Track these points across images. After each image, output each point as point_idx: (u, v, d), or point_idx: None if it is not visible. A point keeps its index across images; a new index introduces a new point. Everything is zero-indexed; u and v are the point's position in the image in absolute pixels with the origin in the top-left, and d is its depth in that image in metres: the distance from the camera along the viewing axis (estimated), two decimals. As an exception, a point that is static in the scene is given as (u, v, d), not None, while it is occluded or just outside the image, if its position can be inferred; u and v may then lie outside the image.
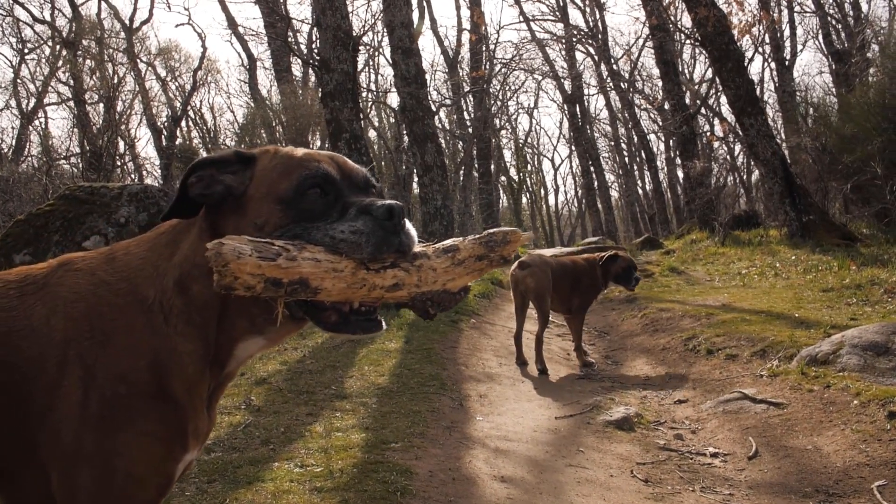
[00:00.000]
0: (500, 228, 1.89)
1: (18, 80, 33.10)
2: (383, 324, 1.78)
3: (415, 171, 17.66)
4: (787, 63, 29.46)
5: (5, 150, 29.14)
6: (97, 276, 1.78)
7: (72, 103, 31.53)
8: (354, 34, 13.01)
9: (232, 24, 33.86)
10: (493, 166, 34.68)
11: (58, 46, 32.37)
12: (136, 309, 1.75)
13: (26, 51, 33.38)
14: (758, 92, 32.25)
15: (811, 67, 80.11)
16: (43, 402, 1.66)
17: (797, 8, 31.58)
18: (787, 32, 30.94)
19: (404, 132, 21.53)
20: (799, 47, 36.49)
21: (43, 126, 33.89)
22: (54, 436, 1.65)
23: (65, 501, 1.66)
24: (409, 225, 1.70)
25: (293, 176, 1.73)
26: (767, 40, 29.03)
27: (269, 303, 1.67)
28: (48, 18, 33.09)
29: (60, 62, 32.08)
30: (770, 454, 4.70)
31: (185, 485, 3.87)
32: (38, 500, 1.72)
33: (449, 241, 1.83)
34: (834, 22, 29.60)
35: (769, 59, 33.46)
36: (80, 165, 26.49)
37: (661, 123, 34.67)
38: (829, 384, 5.41)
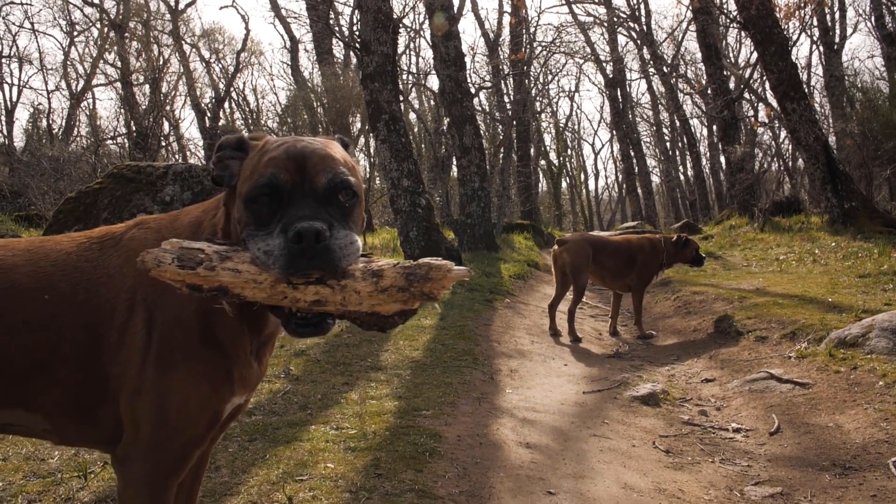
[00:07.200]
0: (428, 261, 1.79)
1: (68, 62, 33.99)
2: (327, 328, 1.80)
3: (453, 153, 17.78)
4: (835, 47, 28.81)
5: (56, 131, 30.02)
6: (161, 233, 2.03)
7: (119, 84, 32.27)
8: (395, 16, 13.17)
9: (275, 6, 34.27)
10: (532, 150, 34.62)
11: (105, 29, 33.12)
12: None
13: (75, 33, 34.28)
14: (806, 76, 31.65)
15: (861, 51, 77.74)
16: (115, 340, 1.93)
17: (847, -11, 30.80)
18: (837, 15, 30.20)
19: (443, 115, 21.66)
20: (849, 30, 35.53)
21: (91, 107, 34.77)
22: (123, 369, 1.92)
23: (129, 427, 1.93)
24: (337, 244, 1.72)
25: (252, 180, 1.82)
26: (816, 23, 28.40)
27: None
28: (96, 1, 33.83)
29: (108, 44, 32.80)
30: (791, 430, 4.80)
31: (227, 442, 4.13)
32: (111, 434, 1.98)
33: (382, 263, 1.79)
34: (888, 3, 28.80)
35: (818, 43, 32.75)
36: (127, 145, 27.17)
37: (703, 108, 34.23)
38: (856, 366, 5.48)
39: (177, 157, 34.34)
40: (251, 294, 1.70)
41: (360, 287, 1.73)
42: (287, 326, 1.80)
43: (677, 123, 38.71)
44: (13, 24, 39.11)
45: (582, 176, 56.96)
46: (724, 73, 24.28)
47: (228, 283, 1.67)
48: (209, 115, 34.40)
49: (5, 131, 31.74)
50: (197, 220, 2.05)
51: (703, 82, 30.46)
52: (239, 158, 1.94)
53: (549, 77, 35.77)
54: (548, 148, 46.15)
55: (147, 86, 31.76)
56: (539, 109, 36.04)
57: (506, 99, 30.95)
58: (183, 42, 34.65)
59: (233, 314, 1.89)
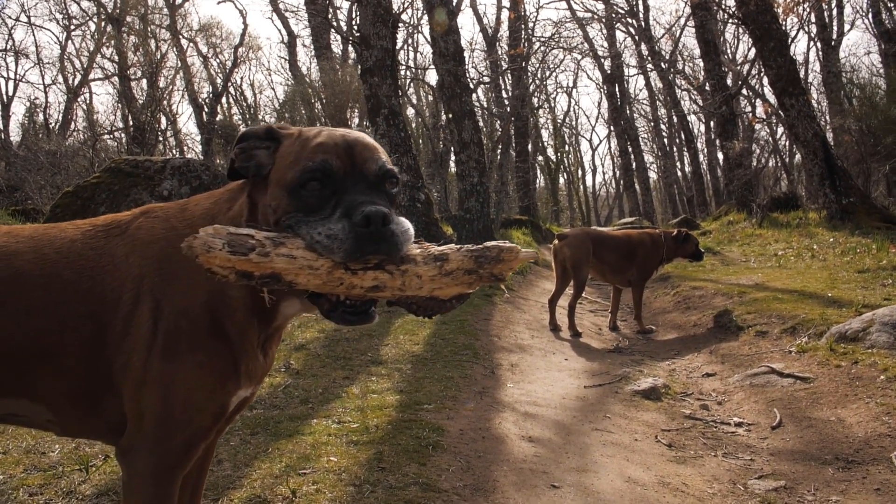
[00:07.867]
0: (497, 244, 1.81)
1: (65, 56, 33.91)
2: (374, 316, 1.80)
3: (452, 148, 17.75)
4: (832, 43, 28.80)
5: (53, 125, 29.94)
6: (170, 223, 2.00)
7: (116, 79, 32.21)
8: (394, 11, 13.14)
9: (273, 0, 34.19)
10: (530, 145, 34.60)
11: (103, 23, 33.03)
12: None
13: (72, 27, 34.19)
14: (803, 72, 31.63)
15: (858, 48, 77.84)
16: (120, 329, 1.90)
17: (845, -14, 30.75)
18: (834, 12, 30.19)
19: (442, 110, 21.62)
20: (846, 27, 35.53)
21: (88, 101, 34.71)
22: (128, 360, 1.89)
23: (133, 419, 1.90)
24: (398, 229, 1.72)
25: (298, 166, 1.79)
26: (813, 19, 28.37)
27: None
28: (94, -5, 33.69)
29: (105, 38, 32.72)
30: (793, 424, 4.80)
31: (229, 436, 4.11)
32: (115, 425, 1.96)
33: (444, 248, 1.79)
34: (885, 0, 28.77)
35: (815, 39, 32.74)
36: (124, 140, 27.10)
37: (701, 104, 34.24)
38: (857, 360, 5.47)
39: (174, 151, 34.28)
40: (305, 281, 1.66)
41: (421, 271, 1.72)
42: (332, 314, 1.78)
43: (675, 119, 38.76)
44: (9, 17, 38.99)
45: (579, 172, 57.03)
46: (723, 68, 24.26)
47: (282, 270, 1.63)
48: (207, 109, 34.35)
49: (1, 125, 31.68)
50: (209, 212, 2.01)
51: (701, 78, 30.48)
52: (267, 148, 1.90)
53: (547, 73, 35.81)
54: (546, 144, 46.17)
55: (144, 80, 31.73)
56: (537, 105, 36.06)
57: (504, 94, 30.94)
58: (180, 36, 34.60)
59: (270, 304, 1.85)
